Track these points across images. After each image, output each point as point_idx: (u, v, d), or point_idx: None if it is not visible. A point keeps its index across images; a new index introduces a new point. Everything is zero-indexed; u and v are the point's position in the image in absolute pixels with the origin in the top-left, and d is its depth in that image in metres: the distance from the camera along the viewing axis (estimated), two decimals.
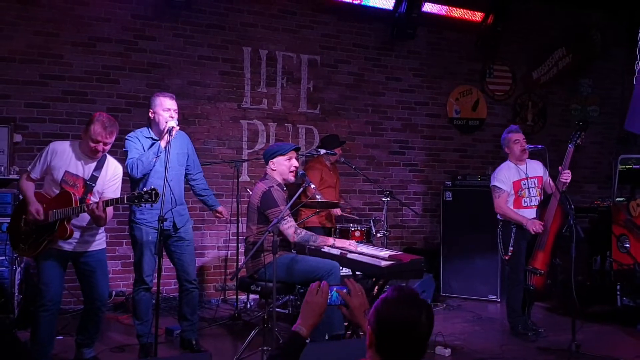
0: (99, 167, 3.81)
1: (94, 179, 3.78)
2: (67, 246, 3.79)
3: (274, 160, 4.35)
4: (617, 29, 8.26)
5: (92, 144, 3.71)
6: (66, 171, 3.75)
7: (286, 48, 6.70)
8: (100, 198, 3.76)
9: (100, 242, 3.94)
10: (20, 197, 3.95)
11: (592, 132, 8.34)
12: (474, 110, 7.72)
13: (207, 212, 4.88)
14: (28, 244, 3.77)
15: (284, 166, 4.32)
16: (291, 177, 4.35)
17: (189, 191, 4.62)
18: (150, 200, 3.51)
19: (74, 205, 3.61)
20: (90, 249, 3.88)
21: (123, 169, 4.04)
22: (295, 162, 4.37)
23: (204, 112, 6.32)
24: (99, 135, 3.69)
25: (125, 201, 3.60)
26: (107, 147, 3.80)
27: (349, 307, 2.16)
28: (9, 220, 4.04)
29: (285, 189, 4.40)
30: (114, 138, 3.79)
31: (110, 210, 3.73)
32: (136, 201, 3.55)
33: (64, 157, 3.77)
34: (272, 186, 4.24)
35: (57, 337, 4.52)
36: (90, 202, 3.69)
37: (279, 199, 4.19)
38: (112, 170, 3.89)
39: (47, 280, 3.76)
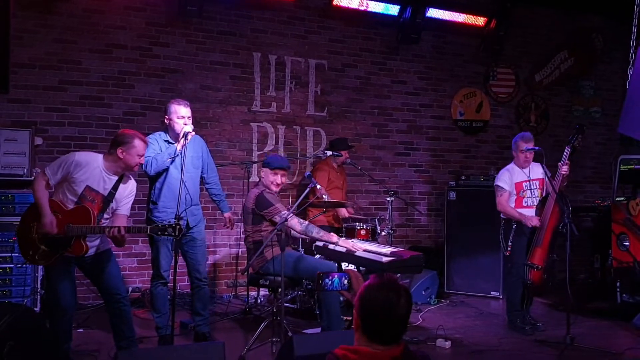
0: (117, 185, 3.81)
1: (111, 195, 3.77)
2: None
3: (263, 169, 4.74)
4: (618, 32, 8.38)
5: (139, 159, 3.82)
6: (87, 186, 3.69)
7: (295, 53, 6.91)
8: (112, 214, 3.82)
9: (105, 243, 3.97)
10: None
11: (594, 133, 8.48)
12: (477, 112, 7.88)
13: (219, 212, 5.11)
14: (38, 254, 3.67)
15: (268, 179, 4.66)
16: (273, 189, 4.65)
17: (203, 192, 4.85)
18: (173, 234, 3.58)
19: (92, 224, 3.61)
20: (96, 253, 3.90)
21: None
22: (279, 179, 4.64)
23: (216, 116, 6.55)
24: (144, 150, 3.88)
25: (149, 232, 3.68)
26: None
27: (352, 290, 2.40)
28: None
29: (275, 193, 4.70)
30: None
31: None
32: (159, 233, 3.64)
33: (88, 171, 3.70)
34: (264, 190, 4.60)
35: (78, 330, 4.80)
36: (105, 218, 3.77)
37: (273, 199, 4.55)
38: (130, 188, 3.91)
39: (61, 288, 3.78)
